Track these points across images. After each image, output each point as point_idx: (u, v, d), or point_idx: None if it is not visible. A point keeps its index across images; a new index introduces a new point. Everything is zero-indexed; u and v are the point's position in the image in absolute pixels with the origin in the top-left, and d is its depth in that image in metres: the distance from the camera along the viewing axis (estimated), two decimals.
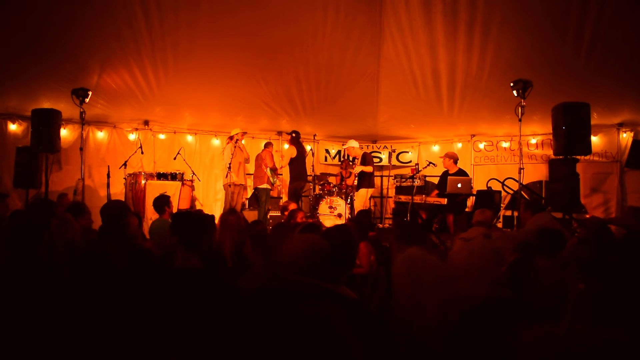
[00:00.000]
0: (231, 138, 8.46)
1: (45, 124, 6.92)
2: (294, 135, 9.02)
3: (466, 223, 7.71)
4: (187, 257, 2.33)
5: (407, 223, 7.20)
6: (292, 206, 6.57)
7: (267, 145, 9.17)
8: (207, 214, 2.94)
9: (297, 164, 8.88)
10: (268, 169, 8.48)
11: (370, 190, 8.72)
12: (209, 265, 2.52)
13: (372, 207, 9.89)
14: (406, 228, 4.63)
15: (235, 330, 1.83)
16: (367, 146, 11.20)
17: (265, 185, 8.50)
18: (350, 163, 8.97)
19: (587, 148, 6.39)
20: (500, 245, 3.73)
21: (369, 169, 8.50)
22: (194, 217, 2.56)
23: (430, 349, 2.38)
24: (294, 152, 8.76)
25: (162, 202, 5.77)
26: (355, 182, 8.71)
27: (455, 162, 8.28)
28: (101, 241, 3.28)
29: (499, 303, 2.48)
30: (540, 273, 2.87)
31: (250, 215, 8.44)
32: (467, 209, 8.34)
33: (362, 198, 8.54)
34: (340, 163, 10.58)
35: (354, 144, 8.94)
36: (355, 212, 8.09)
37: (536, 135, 9.52)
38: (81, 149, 7.06)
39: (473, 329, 2.28)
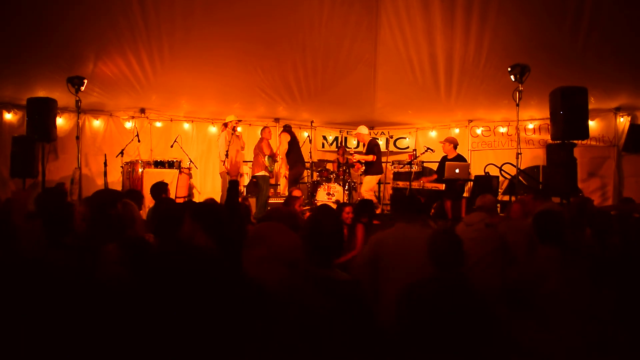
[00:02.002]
0: (225, 125, 8.42)
1: (41, 113, 6.89)
2: (285, 128, 9.11)
3: (464, 208, 7.75)
4: (208, 241, 2.52)
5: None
6: (296, 193, 6.54)
7: (263, 131, 8.98)
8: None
9: (292, 151, 8.89)
10: (266, 157, 8.43)
11: (379, 177, 8.67)
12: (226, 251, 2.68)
13: (375, 193, 9.81)
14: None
15: (239, 318, 1.84)
16: None
17: (263, 173, 8.46)
18: (349, 150, 8.89)
19: (584, 132, 6.41)
20: (506, 237, 3.72)
21: (368, 157, 8.36)
22: (218, 208, 2.76)
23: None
24: (287, 139, 8.78)
25: (159, 189, 5.77)
26: (363, 169, 8.67)
27: (455, 147, 8.26)
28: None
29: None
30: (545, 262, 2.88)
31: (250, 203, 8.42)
32: (465, 195, 8.36)
33: (370, 184, 8.46)
34: (337, 149, 10.56)
35: (362, 130, 8.82)
36: (361, 197, 8.06)
37: (534, 120, 9.51)
38: (77, 137, 7.04)
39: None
